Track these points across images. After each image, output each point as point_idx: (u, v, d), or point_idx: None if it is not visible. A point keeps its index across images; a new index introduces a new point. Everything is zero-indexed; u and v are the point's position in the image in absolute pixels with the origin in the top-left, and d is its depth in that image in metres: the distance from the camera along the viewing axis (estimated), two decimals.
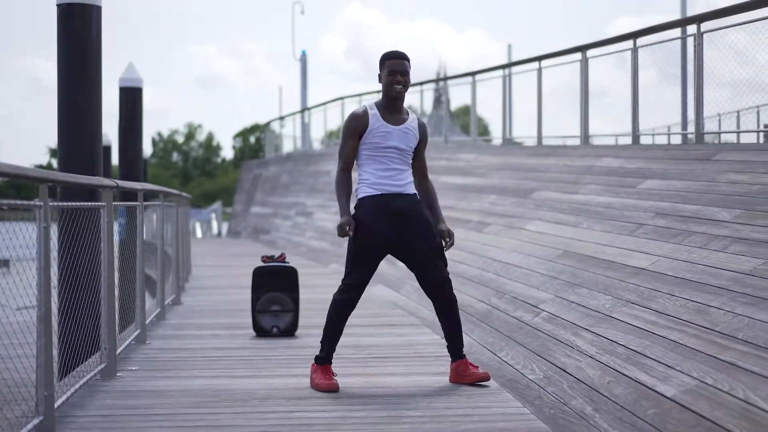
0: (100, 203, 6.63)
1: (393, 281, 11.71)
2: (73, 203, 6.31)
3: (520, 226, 10.75)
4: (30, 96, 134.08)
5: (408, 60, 6.21)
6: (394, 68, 6.14)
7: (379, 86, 6.27)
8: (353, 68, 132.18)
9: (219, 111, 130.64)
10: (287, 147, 33.43)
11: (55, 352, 5.58)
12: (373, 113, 6.19)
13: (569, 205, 10.22)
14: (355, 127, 6.20)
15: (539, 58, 15.36)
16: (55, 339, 5.83)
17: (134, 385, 6.37)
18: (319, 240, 19.81)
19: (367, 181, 6.23)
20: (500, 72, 17.58)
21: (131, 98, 17.04)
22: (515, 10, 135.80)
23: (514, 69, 17.45)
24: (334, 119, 27.78)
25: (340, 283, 6.25)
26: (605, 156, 11.40)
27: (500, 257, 9.97)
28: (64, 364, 6.98)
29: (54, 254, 6.52)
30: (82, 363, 6.63)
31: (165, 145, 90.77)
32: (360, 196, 6.25)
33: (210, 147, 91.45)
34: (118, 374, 6.72)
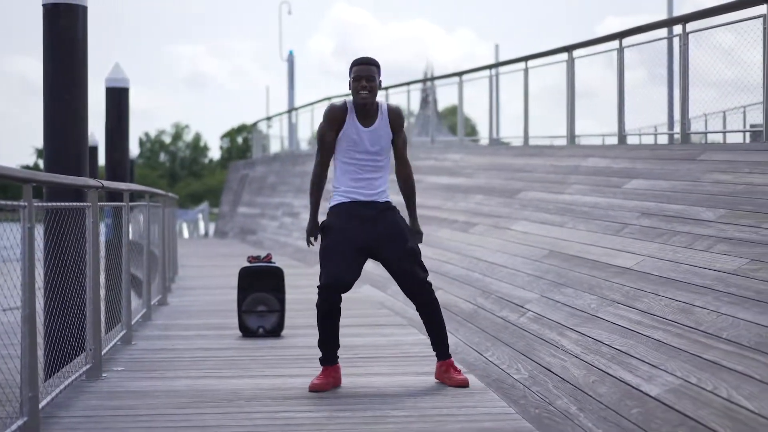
0: (85, 203, 6.62)
1: (379, 281, 11.71)
2: (58, 203, 6.30)
3: (506, 226, 10.77)
4: (17, 96, 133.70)
5: (376, 65, 6.16)
6: (360, 74, 6.11)
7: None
8: (341, 68, 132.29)
9: (206, 111, 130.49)
10: (274, 147, 33.41)
11: (40, 353, 5.57)
12: (351, 112, 6.17)
13: (555, 205, 10.25)
14: (335, 117, 6.17)
15: (526, 58, 15.38)
16: (40, 340, 5.83)
17: (119, 386, 6.36)
18: (305, 240, 19.77)
19: (338, 190, 6.24)
20: (487, 72, 17.60)
21: (118, 98, 16.97)
22: (504, 10, 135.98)
23: (502, 69, 17.46)
24: (321, 120, 27.74)
25: None
26: (591, 156, 11.43)
27: (486, 257, 9.98)
28: (49, 364, 6.96)
29: (40, 255, 6.52)
30: (67, 364, 6.62)
31: (152, 146, 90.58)
32: (331, 204, 6.27)
33: (197, 147, 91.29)
34: (103, 375, 6.70)
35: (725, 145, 10.12)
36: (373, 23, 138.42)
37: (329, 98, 26.41)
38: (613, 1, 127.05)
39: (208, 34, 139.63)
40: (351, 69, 6.17)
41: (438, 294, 9.07)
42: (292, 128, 31.37)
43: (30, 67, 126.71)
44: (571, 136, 13.60)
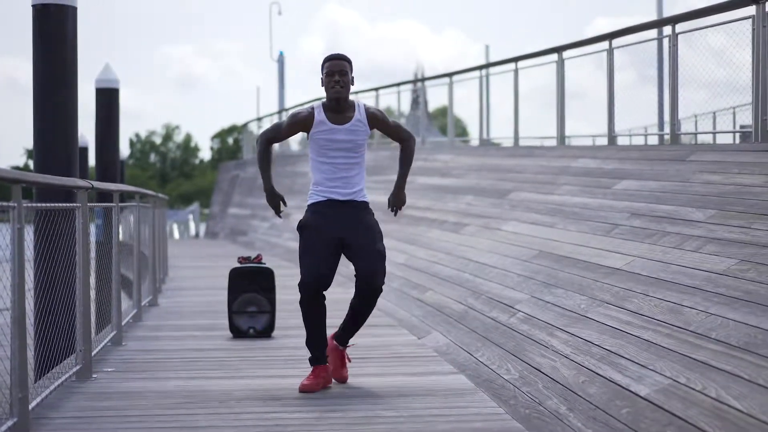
0: (75, 204, 6.61)
1: None
2: (48, 204, 6.29)
3: (496, 227, 10.78)
4: (7, 96, 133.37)
5: (348, 61, 6.24)
6: (332, 69, 6.18)
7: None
8: None
9: (197, 112, 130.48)
10: None
11: (30, 354, 5.57)
12: (319, 114, 6.24)
13: (545, 206, 10.26)
14: (296, 122, 6.29)
15: (516, 59, 15.39)
16: (30, 341, 5.82)
17: (110, 387, 6.36)
18: (296, 241, 19.75)
19: (315, 188, 6.31)
20: (477, 73, 17.62)
21: (108, 99, 16.94)
22: (494, 11, 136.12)
23: (492, 70, 17.48)
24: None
25: None
26: (581, 157, 11.45)
27: (476, 258, 9.99)
28: (39, 365, 6.96)
29: (30, 255, 6.50)
30: (57, 364, 6.61)
31: (142, 146, 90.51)
32: (309, 203, 6.32)
33: (188, 148, 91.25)
34: (93, 376, 6.70)
35: (715, 145, 10.14)
36: (363, 24, 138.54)
37: (320, 98, 26.37)
38: (602, 2, 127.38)
39: (198, 35, 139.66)
40: (323, 65, 6.26)
41: (428, 294, 9.11)
42: None
43: (19, 67, 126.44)
44: (561, 137, 13.62)
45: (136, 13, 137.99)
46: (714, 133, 13.02)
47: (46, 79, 9.20)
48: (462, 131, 37.44)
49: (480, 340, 7.54)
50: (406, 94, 30.20)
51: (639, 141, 15.23)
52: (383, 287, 6.29)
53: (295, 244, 19.39)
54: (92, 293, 7.54)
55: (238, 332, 8.73)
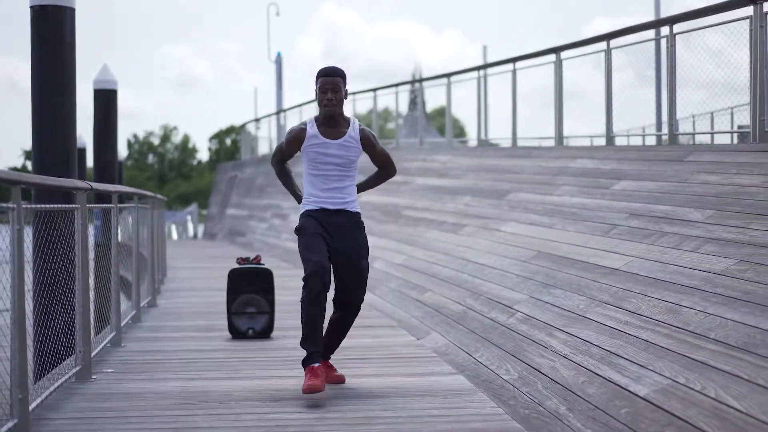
0: (73, 205, 6.62)
1: (369, 283, 11.72)
2: (47, 205, 6.28)
3: (495, 228, 10.79)
4: (6, 98, 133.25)
5: (342, 76, 6.30)
6: (325, 86, 6.26)
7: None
8: None
9: (195, 113, 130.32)
10: (263, 149, 33.37)
11: (30, 355, 5.57)
12: (312, 128, 6.32)
13: (544, 207, 10.27)
14: (291, 139, 6.42)
15: (514, 60, 15.40)
16: (30, 342, 5.82)
17: (109, 388, 6.36)
18: (294, 242, 19.71)
19: (308, 198, 6.39)
20: (475, 73, 17.62)
21: (106, 100, 16.94)
22: (492, 12, 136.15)
23: (490, 70, 17.49)
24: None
25: None
26: (580, 157, 11.46)
27: (475, 258, 10.00)
28: (39, 366, 6.96)
29: (29, 257, 6.50)
30: (57, 366, 6.62)
31: (140, 147, 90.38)
32: (301, 212, 6.41)
33: (186, 149, 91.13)
34: (93, 377, 6.70)
35: (713, 146, 10.14)
36: (361, 24, 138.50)
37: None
38: (600, 2, 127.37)
39: (196, 36, 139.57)
40: (317, 80, 6.32)
41: (427, 295, 9.12)
42: (281, 130, 31.34)
43: (18, 68, 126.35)
44: (560, 137, 13.63)
45: (133, 14, 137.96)
46: (712, 134, 13.03)
47: (44, 80, 9.20)
48: (460, 132, 37.45)
49: (479, 340, 7.55)
50: (404, 95, 30.26)
51: (637, 141, 15.23)
52: (362, 303, 6.48)
53: (293, 245, 19.43)
54: (91, 294, 7.54)
55: (237, 333, 8.73)
